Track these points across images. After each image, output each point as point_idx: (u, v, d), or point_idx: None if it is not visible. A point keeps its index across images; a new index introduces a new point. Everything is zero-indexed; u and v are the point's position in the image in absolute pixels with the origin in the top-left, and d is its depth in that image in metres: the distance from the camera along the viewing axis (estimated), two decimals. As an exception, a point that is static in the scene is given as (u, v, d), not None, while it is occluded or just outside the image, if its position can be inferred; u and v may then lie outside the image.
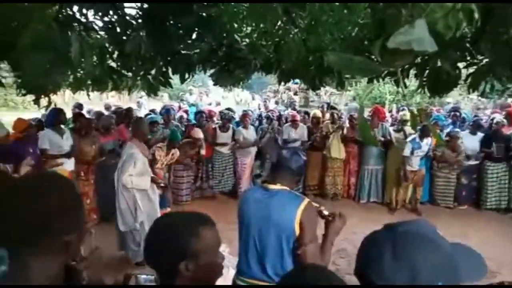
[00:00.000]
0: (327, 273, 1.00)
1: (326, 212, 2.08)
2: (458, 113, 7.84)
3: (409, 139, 6.19)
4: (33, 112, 7.15)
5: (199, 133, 5.89)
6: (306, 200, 2.01)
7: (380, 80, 3.77)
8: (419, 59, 2.74)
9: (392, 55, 0.75)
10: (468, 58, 2.62)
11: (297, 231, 1.94)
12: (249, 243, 2.06)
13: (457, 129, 6.76)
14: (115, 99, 12.10)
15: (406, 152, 6.16)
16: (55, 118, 4.66)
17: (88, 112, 7.61)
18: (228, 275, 3.47)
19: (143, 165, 4.09)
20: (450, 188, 6.66)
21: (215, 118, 7.41)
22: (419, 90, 3.30)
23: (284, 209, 1.97)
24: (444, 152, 6.38)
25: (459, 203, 6.73)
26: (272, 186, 2.07)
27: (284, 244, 1.96)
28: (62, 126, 4.84)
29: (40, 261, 0.92)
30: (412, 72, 3.05)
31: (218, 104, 12.57)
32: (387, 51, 0.72)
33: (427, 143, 6.14)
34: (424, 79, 2.91)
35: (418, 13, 0.75)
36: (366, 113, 8.48)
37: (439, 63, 2.51)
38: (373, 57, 1.08)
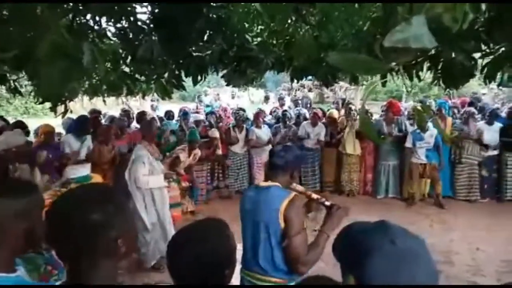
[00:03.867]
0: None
1: (328, 203, 2.13)
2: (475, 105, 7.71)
3: (410, 130, 6.12)
4: (53, 119, 7.34)
5: (215, 133, 6.05)
6: (292, 194, 2.05)
7: (394, 74, 3.71)
8: (433, 51, 2.70)
9: (392, 52, 0.75)
10: (484, 47, 2.56)
11: (282, 225, 2.00)
12: (246, 239, 2.18)
13: (471, 109, 6.69)
14: (137, 103, 12.16)
15: (408, 143, 6.18)
16: (80, 126, 4.77)
17: (103, 115, 7.73)
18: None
19: (149, 165, 4.15)
20: (474, 181, 6.53)
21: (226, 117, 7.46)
22: (434, 83, 3.24)
23: (270, 205, 2.04)
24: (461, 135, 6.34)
25: (480, 196, 6.59)
26: (263, 184, 2.17)
27: (272, 238, 2.04)
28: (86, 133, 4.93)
29: (94, 265, 0.97)
30: (427, 64, 3.00)
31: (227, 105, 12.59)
32: (388, 48, 0.72)
33: (431, 135, 6.04)
34: (439, 71, 2.86)
35: (417, 10, 0.74)
36: (378, 108, 8.38)
37: (453, 55, 2.46)
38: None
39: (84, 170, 4.65)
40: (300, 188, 2.23)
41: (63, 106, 3.16)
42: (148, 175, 4.12)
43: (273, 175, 2.15)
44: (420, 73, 3.19)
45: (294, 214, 1.98)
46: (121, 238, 0.99)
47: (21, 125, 4.73)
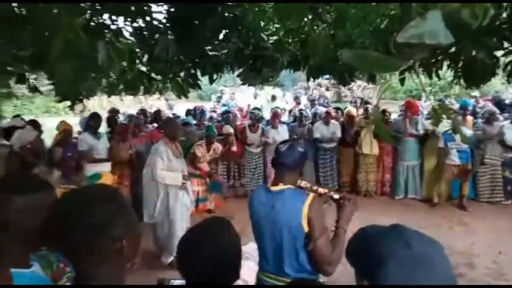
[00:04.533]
0: None
1: (336, 196, 2.09)
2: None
3: (442, 131, 5.97)
4: (74, 117, 7.47)
5: (229, 129, 6.09)
6: (311, 195, 2.00)
7: (413, 72, 3.64)
8: (453, 49, 2.62)
9: (407, 49, 0.71)
10: (507, 45, 2.47)
11: (306, 228, 1.96)
12: (264, 243, 2.11)
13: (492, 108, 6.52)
14: (156, 102, 12.26)
15: (440, 143, 6.07)
16: (91, 122, 4.84)
17: (123, 114, 7.84)
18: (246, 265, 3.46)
19: (168, 161, 4.18)
20: (497, 182, 6.33)
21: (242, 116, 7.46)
22: (455, 81, 3.16)
23: (290, 210, 1.98)
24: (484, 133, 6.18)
25: (503, 197, 6.38)
26: (274, 188, 2.09)
27: (297, 242, 1.99)
28: (99, 130, 5.00)
29: (98, 266, 0.96)
30: (446, 62, 2.92)
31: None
32: (402, 45, 0.68)
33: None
34: (459, 69, 2.78)
35: (432, 5, 0.70)
36: (397, 107, 8.23)
37: (473, 52, 2.38)
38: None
39: (104, 167, 4.75)
40: (305, 184, 2.18)
41: (81, 104, 3.23)
42: (166, 171, 4.15)
43: (281, 175, 2.10)
44: (440, 71, 3.12)
45: (316, 216, 1.95)
46: (124, 239, 0.98)
47: (34, 124, 4.77)
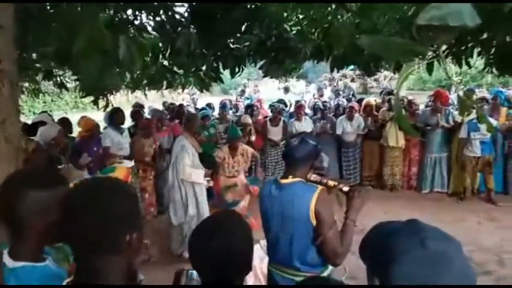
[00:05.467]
0: None
1: (346, 189, 2.10)
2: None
3: (466, 120, 5.72)
4: (100, 113, 7.63)
5: (247, 119, 6.03)
6: (319, 189, 2.00)
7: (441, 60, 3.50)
8: (484, 35, 2.50)
9: (428, 32, 0.67)
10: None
11: (314, 222, 1.97)
12: (273, 235, 2.14)
13: None
14: (180, 97, 12.32)
15: (462, 133, 5.82)
16: (114, 117, 4.92)
17: (148, 108, 7.97)
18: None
19: (192, 157, 4.17)
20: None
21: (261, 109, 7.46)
22: (486, 70, 3.02)
23: (297, 203, 2.00)
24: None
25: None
26: (283, 181, 2.11)
27: (305, 235, 2.01)
28: (122, 125, 5.06)
29: (105, 260, 0.95)
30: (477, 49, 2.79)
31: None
32: (425, 29, 0.64)
33: None
34: (491, 56, 2.65)
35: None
36: (425, 98, 7.97)
37: (507, 38, 2.26)
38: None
39: (126, 162, 4.82)
40: (315, 177, 2.19)
41: (105, 100, 3.29)
42: (191, 167, 4.15)
43: (292, 169, 2.12)
44: (470, 59, 2.98)
45: (324, 209, 1.96)
46: (135, 233, 0.97)
47: (64, 122, 4.81)
